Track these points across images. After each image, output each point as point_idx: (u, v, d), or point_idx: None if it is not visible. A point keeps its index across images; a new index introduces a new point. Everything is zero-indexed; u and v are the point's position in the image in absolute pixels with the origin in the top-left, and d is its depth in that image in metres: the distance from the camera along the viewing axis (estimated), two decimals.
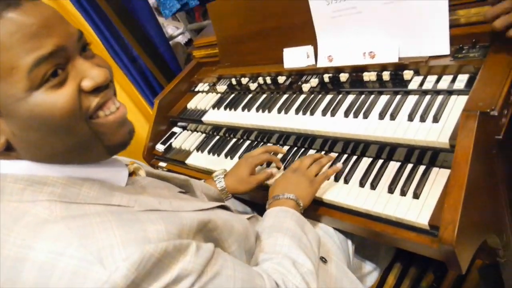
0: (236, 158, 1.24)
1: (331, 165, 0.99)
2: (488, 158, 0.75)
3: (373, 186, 0.88)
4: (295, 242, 0.75)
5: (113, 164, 0.65)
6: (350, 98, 1.06)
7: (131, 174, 0.71)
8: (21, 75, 0.49)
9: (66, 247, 0.47)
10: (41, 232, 0.49)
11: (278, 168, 1.09)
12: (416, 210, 0.79)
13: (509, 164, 0.80)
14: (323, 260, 0.85)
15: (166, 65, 2.08)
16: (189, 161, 1.36)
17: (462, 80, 0.88)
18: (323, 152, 1.07)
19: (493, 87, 0.74)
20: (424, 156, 0.87)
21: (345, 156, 1.02)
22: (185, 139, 1.46)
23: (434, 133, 0.82)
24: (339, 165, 0.97)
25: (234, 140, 1.32)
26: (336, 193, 0.93)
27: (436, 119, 0.84)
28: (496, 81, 0.75)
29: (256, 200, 1.13)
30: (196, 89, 1.57)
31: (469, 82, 0.86)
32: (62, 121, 0.53)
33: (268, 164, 1.13)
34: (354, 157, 0.99)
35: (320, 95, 1.14)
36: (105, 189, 0.58)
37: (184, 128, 1.54)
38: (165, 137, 1.53)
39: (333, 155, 1.04)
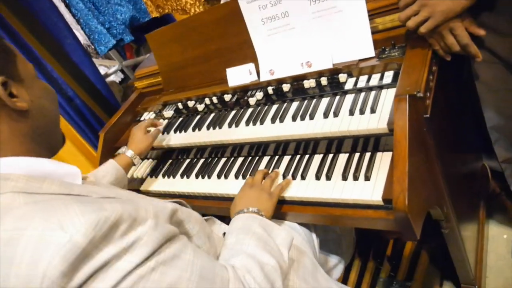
0: (192, 176, 1.26)
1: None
2: (421, 135, 0.87)
3: (328, 177, 0.96)
4: (261, 244, 0.78)
5: (66, 164, 0.69)
6: (295, 104, 1.15)
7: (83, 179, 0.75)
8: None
9: (29, 223, 0.50)
10: (5, 215, 0.52)
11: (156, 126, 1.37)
12: (370, 190, 0.87)
13: (438, 141, 0.93)
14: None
15: (106, 101, 2.05)
16: (144, 187, 1.35)
17: (389, 76, 1.01)
18: (276, 157, 1.14)
19: (415, 75, 0.87)
20: (368, 144, 0.98)
21: (298, 156, 1.09)
22: (136, 168, 1.45)
23: (374, 122, 0.93)
24: (290, 178, 1.04)
25: (188, 160, 1.35)
26: (296, 189, 0.99)
27: (373, 110, 0.96)
28: (417, 70, 0.88)
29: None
30: (142, 118, 1.58)
31: (395, 77, 1.00)
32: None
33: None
34: (307, 156, 1.07)
35: (266, 106, 1.22)
36: (65, 184, 0.62)
37: None
38: None
39: (287, 157, 1.11)
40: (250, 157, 1.20)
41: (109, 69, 2.87)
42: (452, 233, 1.07)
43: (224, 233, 0.95)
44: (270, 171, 1.09)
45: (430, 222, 0.97)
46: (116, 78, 2.91)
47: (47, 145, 0.70)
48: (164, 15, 2.08)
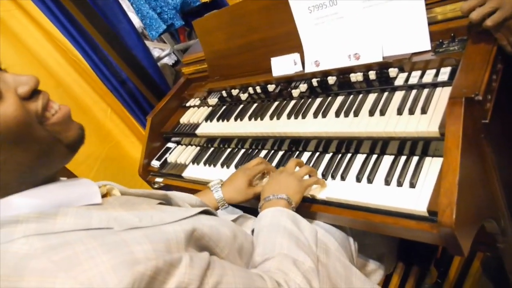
0: (232, 167, 1.25)
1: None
2: (477, 142, 0.78)
3: (370, 180, 0.90)
4: (293, 241, 0.76)
5: (79, 183, 0.64)
6: (340, 99, 1.09)
7: (105, 195, 0.71)
8: None
9: (54, 281, 0.45)
10: (24, 270, 0.47)
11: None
12: (414, 198, 0.81)
13: (497, 148, 0.83)
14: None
15: (156, 85, 2.10)
16: (186, 173, 1.37)
17: (445, 72, 0.91)
18: (317, 154, 1.09)
19: (475, 74, 0.78)
20: (416, 147, 0.90)
21: (340, 155, 1.04)
22: (180, 153, 1.47)
23: (424, 124, 0.85)
24: (325, 180, 0.99)
25: (229, 150, 1.34)
26: (334, 190, 0.95)
27: (424, 111, 0.88)
28: (477, 68, 0.79)
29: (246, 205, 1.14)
30: (188, 104, 1.59)
31: (452, 74, 0.90)
32: (19, 129, 0.53)
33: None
34: (349, 155, 1.02)
35: (310, 99, 1.17)
36: (81, 212, 0.56)
37: (178, 143, 1.55)
38: (159, 153, 1.54)
39: (328, 155, 1.06)
40: (290, 152, 1.17)
41: (163, 52, 2.93)
42: (509, 248, 0.97)
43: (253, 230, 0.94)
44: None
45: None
46: (169, 60, 2.97)
47: (43, 179, 0.59)
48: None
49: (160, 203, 0.76)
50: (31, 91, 0.56)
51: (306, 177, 0.97)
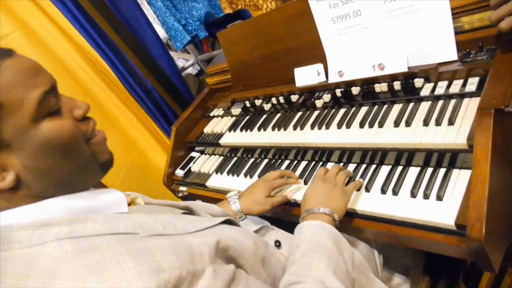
0: (255, 177, 1.26)
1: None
2: (506, 154, 0.76)
3: (395, 192, 0.89)
4: (332, 266, 0.72)
5: (108, 192, 0.68)
6: (364, 109, 1.08)
7: (129, 204, 0.73)
8: (30, 107, 0.57)
9: (84, 286, 0.49)
10: (57, 273, 0.51)
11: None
12: (441, 211, 0.79)
13: None
14: None
15: (180, 95, 2.14)
16: (209, 183, 1.38)
17: (473, 83, 0.90)
18: (341, 165, 1.09)
19: (504, 85, 0.76)
20: (443, 159, 0.88)
21: (364, 166, 1.03)
22: (203, 162, 1.49)
23: (451, 135, 0.84)
24: (361, 180, 0.97)
25: (252, 159, 1.35)
26: (358, 201, 0.94)
27: (451, 122, 0.86)
28: (507, 79, 0.77)
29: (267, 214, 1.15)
30: (211, 114, 1.61)
31: (480, 84, 0.88)
32: (70, 143, 0.61)
33: None
34: (373, 166, 1.01)
35: (333, 110, 1.17)
36: (109, 218, 0.60)
37: (201, 152, 1.57)
38: (183, 162, 1.57)
39: (352, 166, 1.05)
40: (313, 162, 1.16)
41: (187, 62, 2.98)
42: None
43: (276, 241, 0.93)
44: None
45: None
46: (193, 70, 3.02)
47: (75, 186, 0.64)
48: (238, 10, 2.10)
49: (183, 213, 0.78)
50: (84, 115, 0.65)
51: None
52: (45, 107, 0.58)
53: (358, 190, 0.96)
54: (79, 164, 0.64)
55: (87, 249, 0.53)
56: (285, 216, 1.10)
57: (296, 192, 1.07)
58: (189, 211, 0.81)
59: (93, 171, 0.67)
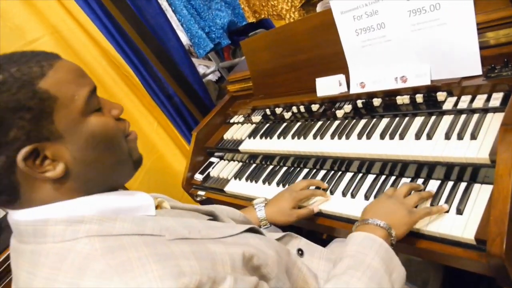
0: (273, 184, 1.27)
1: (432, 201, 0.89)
2: None
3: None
4: (373, 285, 0.69)
5: (137, 194, 0.70)
6: (385, 121, 1.09)
7: (156, 207, 0.74)
8: (80, 102, 0.62)
9: (109, 284, 0.52)
10: (85, 270, 0.54)
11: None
12: (461, 225, 0.79)
13: None
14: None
15: (201, 100, 2.18)
16: (228, 188, 1.40)
17: (497, 98, 0.90)
18: (360, 175, 1.09)
19: None
20: (465, 173, 0.88)
21: (383, 177, 1.03)
22: (222, 168, 1.51)
23: (473, 150, 0.84)
24: (445, 206, 0.84)
25: (271, 167, 1.37)
26: None
27: (474, 137, 0.86)
28: None
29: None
30: (232, 121, 1.64)
31: (505, 100, 0.88)
32: (113, 137, 0.67)
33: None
34: (393, 178, 1.01)
35: (354, 120, 1.18)
36: (137, 220, 0.63)
37: (221, 158, 1.60)
38: (203, 167, 1.59)
39: (371, 176, 1.06)
40: (332, 171, 1.17)
41: (208, 69, 3.03)
42: None
43: (299, 249, 0.94)
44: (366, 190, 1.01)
45: None
46: (213, 77, 3.07)
47: (110, 183, 0.68)
48: (261, 20, 2.13)
49: (208, 219, 0.80)
50: (120, 115, 0.71)
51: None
52: (91, 104, 0.64)
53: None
54: (119, 158, 0.68)
55: (115, 248, 0.56)
56: (309, 226, 1.11)
57: (322, 203, 1.07)
58: (213, 217, 0.83)
59: (128, 167, 0.71)
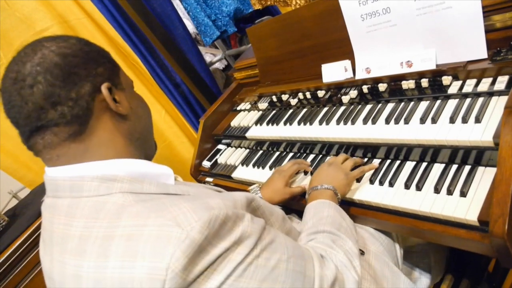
0: None
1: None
2: None
3: (419, 188, 0.91)
4: (335, 226, 0.83)
5: (161, 165, 0.75)
6: (390, 106, 1.10)
7: None
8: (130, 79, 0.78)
9: (147, 219, 0.56)
10: (122, 214, 0.59)
11: (305, 173, 1.21)
12: (464, 207, 0.80)
13: None
14: (361, 252, 0.90)
15: (208, 89, 2.19)
16: (235, 174, 1.42)
17: (502, 81, 0.90)
18: (365, 159, 1.10)
19: None
20: (469, 156, 0.89)
21: (389, 161, 1.04)
22: (230, 154, 1.54)
23: (477, 133, 0.85)
24: (376, 163, 1.05)
25: (277, 153, 1.38)
26: (382, 196, 0.95)
27: (478, 120, 0.87)
28: None
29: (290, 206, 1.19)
30: (238, 108, 1.66)
31: (510, 83, 0.88)
32: (148, 107, 0.82)
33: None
34: (398, 162, 1.02)
35: (360, 106, 1.18)
36: (160, 185, 0.68)
37: (228, 145, 1.62)
38: (210, 154, 1.62)
39: (377, 161, 1.07)
40: None
41: (215, 57, 3.04)
42: None
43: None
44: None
45: None
46: (220, 65, 3.07)
47: (142, 151, 0.76)
48: (267, 6, 2.12)
49: None
50: None
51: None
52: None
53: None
54: (151, 130, 0.82)
55: (148, 200, 0.62)
56: (299, 206, 1.15)
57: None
58: None
59: (153, 142, 0.82)
